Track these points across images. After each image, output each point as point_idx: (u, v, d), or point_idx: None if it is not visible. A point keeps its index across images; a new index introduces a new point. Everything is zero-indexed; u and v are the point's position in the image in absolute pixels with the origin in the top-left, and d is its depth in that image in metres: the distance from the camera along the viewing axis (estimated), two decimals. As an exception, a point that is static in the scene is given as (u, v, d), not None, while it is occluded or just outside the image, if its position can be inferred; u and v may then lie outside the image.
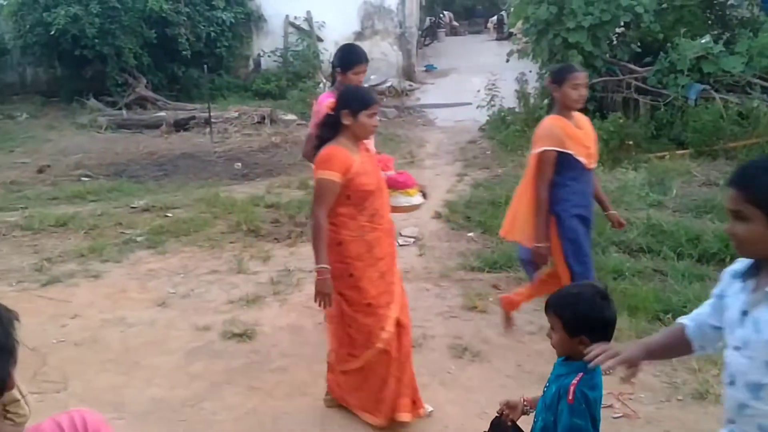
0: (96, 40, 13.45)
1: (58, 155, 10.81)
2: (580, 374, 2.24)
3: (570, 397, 2.20)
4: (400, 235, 6.56)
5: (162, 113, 13.27)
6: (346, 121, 3.37)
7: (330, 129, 3.45)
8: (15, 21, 13.89)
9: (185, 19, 14.34)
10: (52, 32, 13.10)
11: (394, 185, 3.89)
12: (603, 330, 2.30)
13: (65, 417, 1.41)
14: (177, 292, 5.51)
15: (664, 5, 9.96)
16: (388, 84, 15.50)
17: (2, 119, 13.65)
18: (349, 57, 4.29)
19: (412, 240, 6.56)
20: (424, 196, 4.14)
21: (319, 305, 3.49)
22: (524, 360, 4.31)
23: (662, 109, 9.29)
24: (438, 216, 7.12)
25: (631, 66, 9.96)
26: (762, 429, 1.80)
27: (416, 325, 4.77)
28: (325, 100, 4.21)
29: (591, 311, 2.31)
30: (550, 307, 2.36)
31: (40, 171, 9.80)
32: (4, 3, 14.26)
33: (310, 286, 5.51)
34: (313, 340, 4.64)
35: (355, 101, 3.39)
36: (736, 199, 1.78)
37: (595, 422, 2.25)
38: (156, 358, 4.42)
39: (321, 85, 14.86)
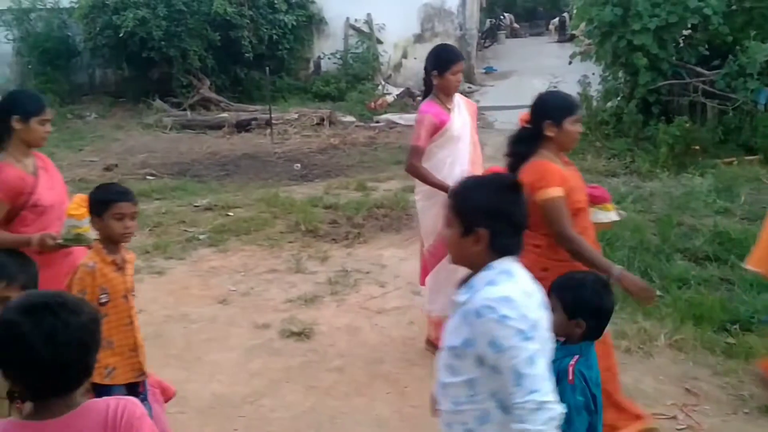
0: (162, 43, 13.81)
1: (125, 154, 11.14)
2: (576, 356, 2.45)
3: (570, 377, 2.38)
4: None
5: (224, 114, 13.54)
6: (550, 132, 3.07)
7: (529, 143, 3.16)
8: (86, 24, 14.37)
9: (248, 22, 14.59)
10: (121, 35, 13.51)
11: (591, 200, 3.38)
12: (599, 317, 2.53)
13: (113, 402, 1.69)
14: (237, 290, 5.62)
15: (734, 7, 9.64)
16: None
17: (72, 119, 14.14)
18: (447, 56, 4.11)
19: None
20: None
21: (647, 303, 3.44)
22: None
23: (730, 114, 9.00)
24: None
25: (699, 69, 9.68)
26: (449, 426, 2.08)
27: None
28: (428, 111, 4.17)
29: (591, 297, 2.51)
30: (554, 290, 2.53)
31: (108, 169, 10.12)
32: (76, 6, 14.76)
33: (367, 287, 5.63)
34: (370, 341, 4.68)
35: (557, 109, 3.10)
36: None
37: (594, 399, 2.45)
38: (217, 355, 4.52)
39: (380, 87, 14.95)
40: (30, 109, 3.28)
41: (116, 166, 10.30)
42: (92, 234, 3.11)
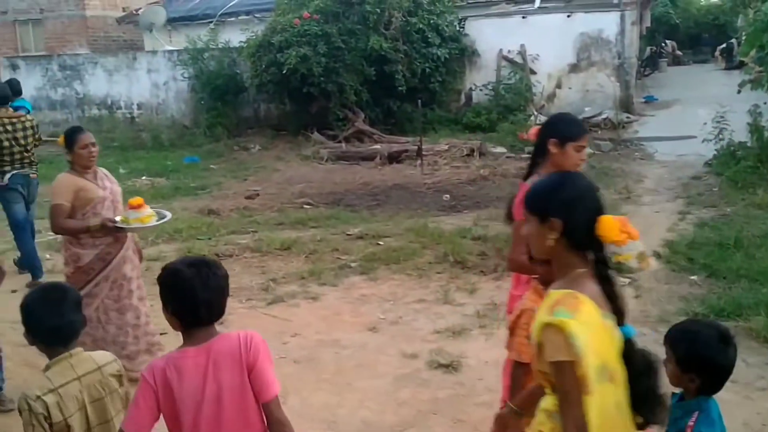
0: (321, 78, 14.46)
1: (284, 184, 11.71)
2: (695, 413, 2.25)
3: None
4: (614, 274, 6.26)
5: (377, 146, 13.90)
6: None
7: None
8: (253, 62, 15.34)
9: (403, 56, 14.95)
10: (284, 71, 14.30)
11: None
12: (715, 374, 2.29)
13: (242, 332, 2.35)
14: (386, 318, 5.71)
15: None
16: (604, 116, 15.00)
17: (238, 150, 15.10)
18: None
19: (627, 281, 6.23)
20: None
21: None
22: (752, 417, 3.90)
23: None
24: (657, 256, 6.70)
25: None
26: None
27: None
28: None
29: (706, 352, 2.27)
30: (668, 339, 2.39)
31: (250, 198, 10.68)
32: (245, 45, 15.81)
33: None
34: (519, 377, 4.56)
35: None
36: None
37: None
38: (366, 381, 4.59)
39: (532, 117, 14.76)
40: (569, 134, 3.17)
41: (258, 195, 10.84)
42: None
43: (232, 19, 18.67)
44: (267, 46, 14.83)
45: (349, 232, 8.28)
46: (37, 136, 7.02)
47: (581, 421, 1.85)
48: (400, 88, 14.96)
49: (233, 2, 19.52)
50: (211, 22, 18.61)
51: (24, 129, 6.82)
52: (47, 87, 18.94)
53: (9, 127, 6.72)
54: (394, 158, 13.08)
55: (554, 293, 1.97)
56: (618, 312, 2.04)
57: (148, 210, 4.34)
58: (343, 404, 4.27)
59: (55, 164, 12.09)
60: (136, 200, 4.33)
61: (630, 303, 5.66)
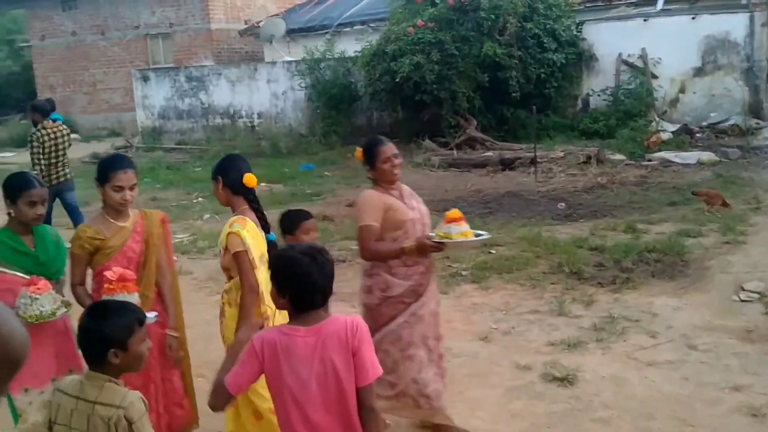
0: (434, 86, 14.50)
1: (396, 191, 11.80)
2: None
3: None
4: (742, 289, 5.92)
5: (489, 153, 13.78)
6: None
7: None
8: (367, 71, 15.60)
9: (517, 62, 14.76)
10: (397, 80, 14.45)
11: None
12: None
13: (349, 317, 2.49)
14: (499, 328, 5.64)
15: None
16: (731, 122, 14.19)
17: (351, 158, 15.35)
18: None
19: (757, 296, 5.87)
20: None
21: None
22: None
23: None
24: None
25: None
26: None
27: (759, 392, 4.26)
28: None
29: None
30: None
31: (350, 206, 10.80)
32: (359, 55, 16.11)
33: (636, 336, 5.30)
34: (638, 394, 4.39)
35: None
36: None
37: None
38: (478, 391, 4.55)
39: (653, 123, 14.20)
40: None
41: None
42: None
43: (348, 29, 19.08)
44: (381, 55, 15.03)
45: (460, 240, 8.23)
46: (68, 141, 8.93)
47: (254, 282, 3.24)
48: (513, 95, 14.77)
49: (349, 13, 19.95)
50: (327, 32, 19.10)
51: (62, 136, 8.75)
52: (175, 97, 20.03)
53: (52, 135, 8.62)
54: (506, 165, 12.92)
55: (232, 218, 3.37)
56: (265, 227, 3.47)
57: (466, 224, 3.70)
58: (454, 413, 4.24)
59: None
60: (454, 213, 3.68)
61: (758, 319, 5.34)
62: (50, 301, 3.28)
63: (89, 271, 3.55)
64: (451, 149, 14.59)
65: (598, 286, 6.42)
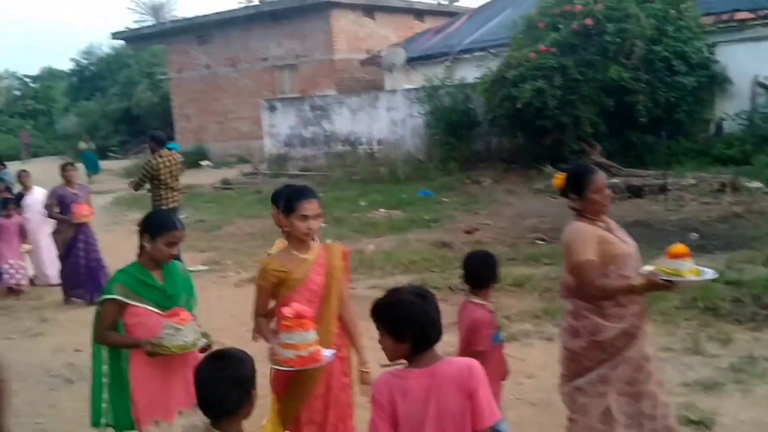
0: (556, 111, 14.25)
1: (516, 218, 11.64)
2: None
3: None
4: None
5: (615, 180, 13.30)
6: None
7: None
8: (487, 97, 15.56)
9: (644, 86, 14.26)
10: (518, 105, 14.31)
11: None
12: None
13: (463, 359, 2.49)
14: (627, 365, 5.39)
15: None
16: None
17: (470, 184, 15.32)
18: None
19: None
20: None
21: None
22: None
23: None
24: None
25: None
26: None
27: None
28: None
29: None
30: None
31: (469, 232, 10.68)
32: (479, 81, 16.10)
33: (783, 380, 4.91)
34: (785, 444, 4.06)
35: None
36: None
37: None
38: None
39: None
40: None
41: (477, 230, 10.80)
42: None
43: (468, 56, 19.13)
44: (501, 81, 14.96)
45: (585, 271, 7.98)
46: (181, 168, 9.62)
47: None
48: (641, 119, 14.25)
49: (469, 40, 20.02)
50: (447, 60, 19.23)
51: (176, 163, 9.45)
52: (299, 126, 20.77)
53: (167, 162, 9.31)
54: (634, 192, 12.44)
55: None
56: None
57: (691, 261, 3.32)
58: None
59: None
60: (680, 248, 3.29)
61: None
62: (192, 332, 3.36)
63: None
64: (574, 176, 14.20)
65: (735, 323, 6.03)
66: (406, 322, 2.37)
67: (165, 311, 3.40)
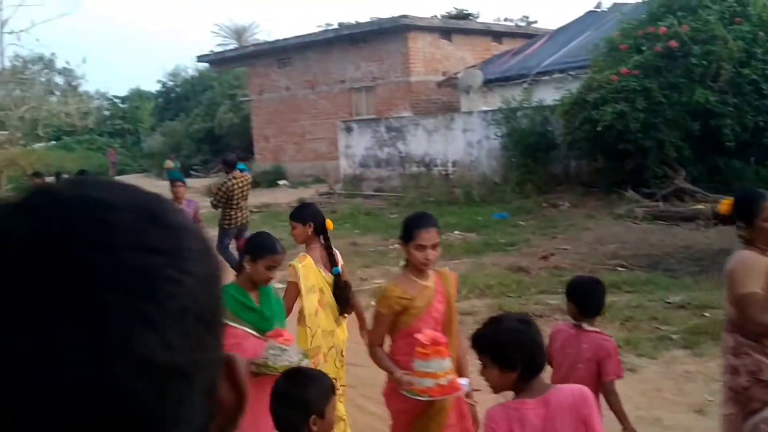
0: (639, 134, 13.89)
1: (595, 244, 11.36)
2: None
3: None
4: None
5: (700, 206, 12.87)
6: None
7: None
8: (566, 119, 15.33)
9: (731, 109, 13.75)
10: (599, 128, 14.03)
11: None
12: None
13: (573, 386, 2.52)
14: (715, 401, 5.12)
15: None
16: None
17: (547, 207, 15.07)
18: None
19: None
20: None
21: None
22: None
23: None
24: None
25: None
26: None
27: None
28: None
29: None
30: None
31: (544, 257, 10.44)
32: (558, 103, 15.88)
33: None
34: None
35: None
36: None
37: None
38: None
39: None
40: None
41: (552, 255, 10.56)
42: None
43: (546, 77, 18.92)
44: (582, 103, 14.71)
45: (668, 300, 7.71)
46: (250, 188, 10.44)
47: (290, 305, 4.10)
48: (728, 144, 13.73)
49: (548, 61, 19.81)
50: (525, 81, 19.07)
51: (246, 184, 10.20)
52: (375, 147, 20.95)
53: (239, 183, 10.01)
54: (720, 219, 11.94)
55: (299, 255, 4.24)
56: (332, 262, 4.35)
57: None
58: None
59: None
60: None
61: None
62: (296, 352, 3.34)
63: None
64: (657, 200, 13.81)
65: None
66: (515, 350, 2.36)
67: (259, 333, 3.40)
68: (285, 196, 21.72)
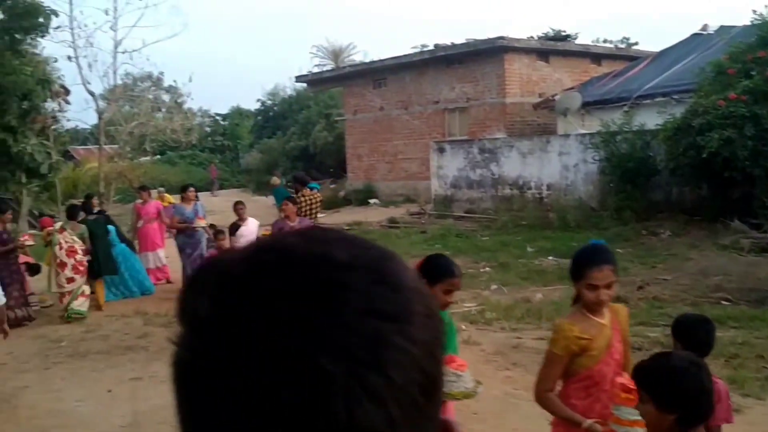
0: (747, 162, 13.23)
1: (698, 275, 10.84)
2: None
3: None
4: None
5: (814, 239, 12.09)
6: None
7: None
8: (669, 145, 14.78)
9: None
10: (704, 155, 13.45)
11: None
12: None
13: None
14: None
15: None
16: None
17: (646, 235, 14.52)
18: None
19: None
20: None
21: None
22: None
23: None
24: None
25: None
26: None
27: None
28: None
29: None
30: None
31: (641, 288, 10.01)
32: (660, 128, 15.34)
33: None
34: None
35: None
36: None
37: None
38: None
39: None
40: None
41: (648, 285, 10.12)
42: None
43: (648, 101, 18.33)
44: (686, 129, 14.16)
45: (779, 338, 7.26)
46: (320, 206, 10.79)
47: None
48: None
49: (650, 84, 19.21)
50: (625, 105, 18.55)
51: (316, 202, 10.74)
52: (467, 168, 20.84)
53: (309, 201, 10.61)
54: (836, 255, 11.20)
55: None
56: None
57: None
58: None
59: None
60: None
61: None
62: (470, 379, 3.19)
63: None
64: (765, 232, 13.07)
65: None
66: (679, 393, 2.18)
67: None
68: (376, 215, 21.92)
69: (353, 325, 0.51)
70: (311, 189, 11.27)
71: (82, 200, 13.94)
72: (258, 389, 0.49)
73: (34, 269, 10.97)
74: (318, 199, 10.93)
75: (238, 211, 10.84)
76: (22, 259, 10.47)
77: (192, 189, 11.84)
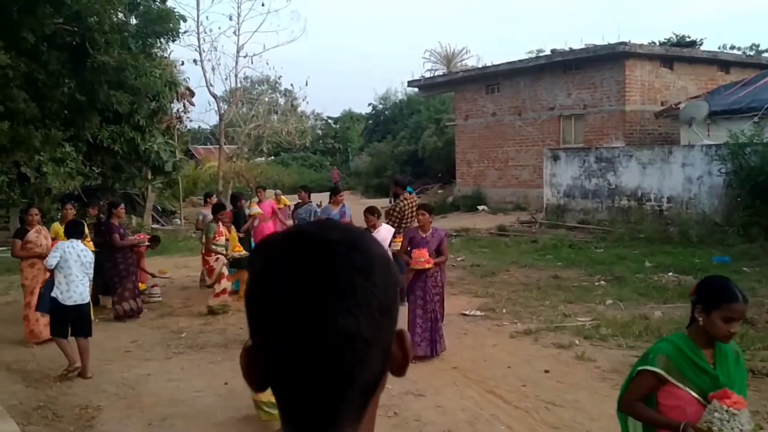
0: None
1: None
2: None
3: None
4: None
5: None
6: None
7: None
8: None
9: None
10: None
11: None
12: None
13: None
14: None
15: None
16: None
17: (777, 254, 13.59)
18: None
19: None
20: None
21: None
22: None
23: None
24: None
25: None
26: None
27: None
28: None
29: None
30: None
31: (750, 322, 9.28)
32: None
33: None
34: None
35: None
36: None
37: None
38: None
39: None
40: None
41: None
42: None
43: (781, 112, 17.19)
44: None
45: None
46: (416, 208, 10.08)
47: None
48: None
49: (785, 94, 18.00)
50: (756, 115, 17.46)
51: (414, 205, 10.29)
52: (582, 177, 20.23)
53: (409, 204, 10.59)
54: None
55: None
56: None
57: None
58: None
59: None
60: None
61: None
62: (747, 420, 2.84)
63: None
64: None
65: None
66: None
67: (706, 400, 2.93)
68: (484, 222, 21.64)
69: (339, 272, 0.89)
70: (410, 193, 11.26)
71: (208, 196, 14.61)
72: (282, 309, 0.88)
73: (155, 240, 11.90)
74: (416, 202, 10.74)
75: (368, 219, 9.27)
76: (141, 236, 12.03)
77: (341, 194, 12.13)
